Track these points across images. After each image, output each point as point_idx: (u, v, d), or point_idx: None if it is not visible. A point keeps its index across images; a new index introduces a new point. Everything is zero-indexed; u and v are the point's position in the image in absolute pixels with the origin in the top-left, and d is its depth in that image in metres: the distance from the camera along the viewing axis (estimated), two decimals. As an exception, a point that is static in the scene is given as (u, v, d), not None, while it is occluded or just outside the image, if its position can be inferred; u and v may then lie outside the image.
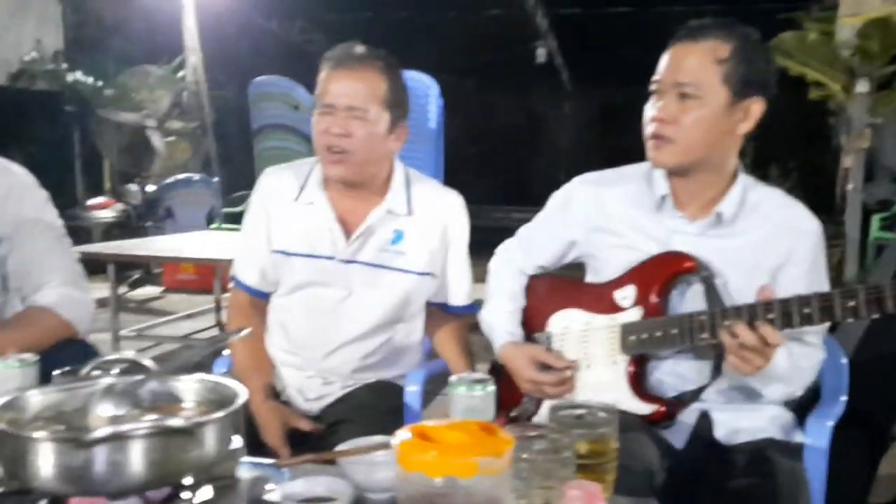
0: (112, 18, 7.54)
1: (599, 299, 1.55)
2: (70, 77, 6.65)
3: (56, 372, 1.22)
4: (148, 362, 1.02)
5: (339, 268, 1.71)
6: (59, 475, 0.79)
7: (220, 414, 0.87)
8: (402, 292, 1.73)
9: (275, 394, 1.74)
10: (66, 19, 6.77)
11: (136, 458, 0.80)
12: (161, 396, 0.97)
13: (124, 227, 6.79)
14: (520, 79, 11.62)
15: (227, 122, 8.44)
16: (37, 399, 0.93)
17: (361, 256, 1.71)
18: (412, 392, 1.73)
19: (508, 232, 1.78)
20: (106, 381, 0.97)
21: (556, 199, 1.68)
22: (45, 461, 0.79)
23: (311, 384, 1.76)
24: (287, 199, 1.75)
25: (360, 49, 1.67)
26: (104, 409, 0.94)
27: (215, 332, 5.05)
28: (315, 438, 1.66)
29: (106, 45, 7.43)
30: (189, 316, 5.22)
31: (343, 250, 1.70)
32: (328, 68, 1.65)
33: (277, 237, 1.74)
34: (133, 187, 7.30)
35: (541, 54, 10.57)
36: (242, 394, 0.93)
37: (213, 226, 7.18)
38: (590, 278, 1.63)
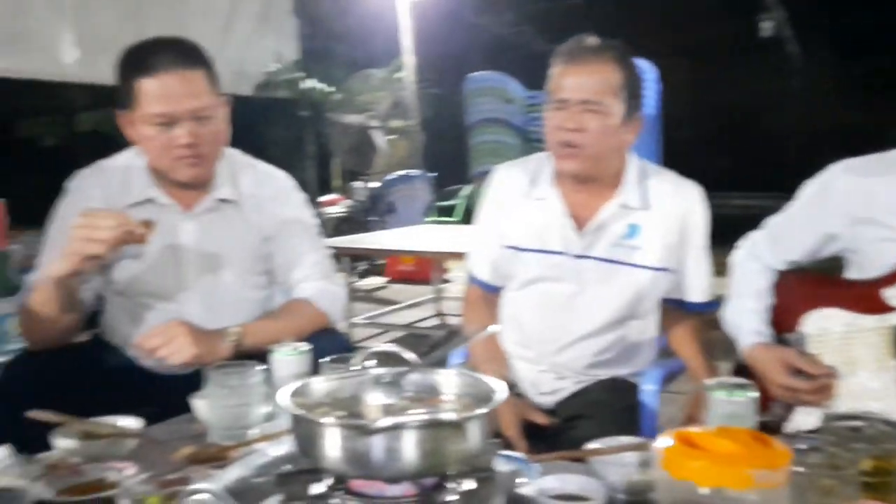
0: (339, 28, 8.11)
1: (865, 298, 1.41)
2: (305, 84, 7.24)
3: (325, 360, 1.34)
4: (409, 355, 1.09)
5: (570, 263, 1.70)
6: (345, 458, 0.86)
7: (485, 409, 0.90)
8: (636, 288, 1.69)
9: (510, 387, 1.77)
10: (302, 32, 7.37)
11: (412, 448, 0.85)
12: (424, 388, 1.03)
13: (351, 222, 7.26)
14: (740, 55, 10.88)
15: (439, 119, 8.73)
16: (319, 386, 1.02)
17: (594, 252, 1.69)
18: (649, 391, 1.69)
19: (731, 220, 1.67)
20: (374, 371, 1.05)
21: (812, 188, 1.55)
22: (334, 444, 0.86)
23: (545, 378, 1.78)
24: (518, 194, 1.77)
25: (592, 41, 1.65)
26: (374, 398, 1.01)
27: (436, 321, 5.27)
28: (550, 433, 1.67)
29: (334, 53, 8.00)
30: (412, 305, 5.48)
31: (575, 246, 1.69)
32: (561, 63, 1.64)
33: (509, 233, 1.77)
34: (358, 184, 7.79)
35: (766, 27, 9.82)
36: (501, 389, 0.96)
37: (429, 219, 7.49)
38: (852, 274, 1.50)
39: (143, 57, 1.57)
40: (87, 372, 1.62)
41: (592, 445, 1.15)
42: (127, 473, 1.14)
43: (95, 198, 1.71)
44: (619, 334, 1.73)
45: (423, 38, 8.21)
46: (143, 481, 1.09)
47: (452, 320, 5.22)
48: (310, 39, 7.75)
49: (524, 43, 9.68)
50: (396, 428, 0.84)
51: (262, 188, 1.82)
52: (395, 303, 5.73)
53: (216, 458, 1.19)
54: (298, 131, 7.59)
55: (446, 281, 6.01)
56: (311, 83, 7.37)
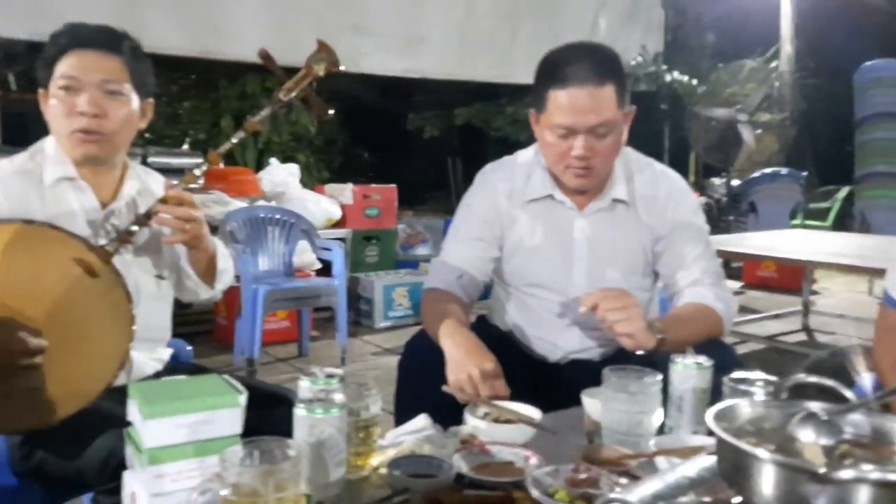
0: (709, 17, 7.75)
1: None
2: (668, 77, 7.07)
3: (726, 379, 1.27)
4: (848, 393, 0.97)
5: None
6: (785, 501, 0.79)
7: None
8: None
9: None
10: (668, 23, 7.19)
11: (867, 504, 0.75)
12: (868, 432, 0.91)
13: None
14: None
15: (815, 113, 7.91)
16: (744, 411, 0.95)
17: None
18: None
19: None
20: (808, 405, 0.95)
21: None
22: (772, 483, 0.80)
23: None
24: None
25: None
26: (808, 436, 0.92)
27: (802, 336, 4.80)
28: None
29: (701, 43, 7.68)
30: (774, 316, 5.06)
31: None
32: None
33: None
34: (717, 181, 7.41)
35: None
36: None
37: (795, 222, 6.83)
38: None
39: (560, 67, 1.62)
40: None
41: None
42: (532, 462, 1.20)
43: (501, 190, 1.82)
44: None
45: (805, 23, 7.48)
46: (548, 473, 1.13)
47: (822, 337, 4.71)
48: (675, 30, 7.53)
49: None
50: (858, 481, 0.74)
51: (657, 189, 1.80)
52: (751, 310, 5.34)
53: (615, 462, 1.19)
54: (656, 125, 7.44)
55: (815, 293, 5.45)
56: (673, 75, 7.16)
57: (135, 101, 1.58)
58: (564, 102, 1.61)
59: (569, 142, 1.64)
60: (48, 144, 1.58)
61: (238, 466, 0.88)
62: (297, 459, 0.90)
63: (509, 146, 8.75)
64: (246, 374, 3.72)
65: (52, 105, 1.53)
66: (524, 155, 1.87)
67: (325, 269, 4.44)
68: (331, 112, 1.68)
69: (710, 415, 0.91)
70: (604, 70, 1.61)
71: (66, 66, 1.51)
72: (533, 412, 1.40)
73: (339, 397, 1.13)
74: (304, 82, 1.60)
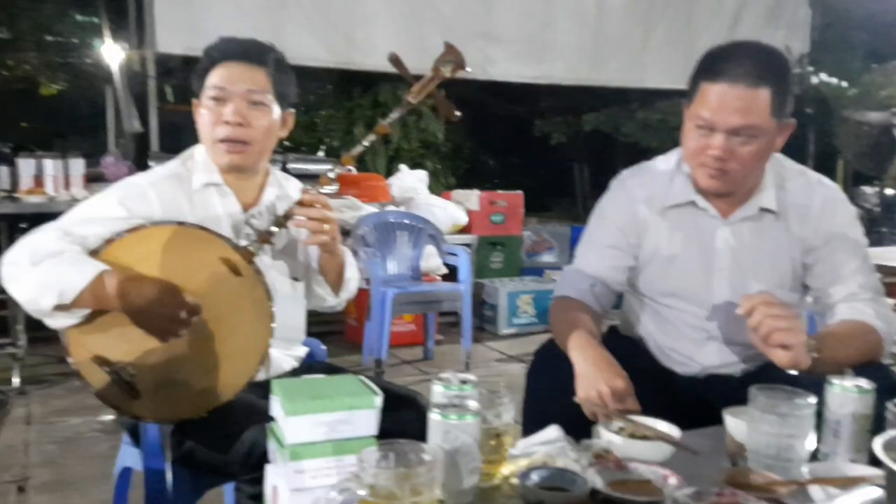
0: (861, 14, 7.23)
1: None
2: (814, 79, 6.65)
3: (890, 404, 1.16)
4: None
5: None
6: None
7: None
8: None
9: None
10: (814, 21, 6.78)
11: None
12: None
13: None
14: None
15: None
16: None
17: None
18: None
19: None
20: None
21: None
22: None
23: None
24: None
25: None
26: None
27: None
28: None
29: (852, 43, 7.18)
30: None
31: None
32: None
33: None
34: (868, 190, 6.89)
35: None
36: None
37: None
38: None
39: (717, 61, 1.55)
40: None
41: None
42: (671, 482, 1.14)
43: (639, 197, 1.76)
44: None
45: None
46: (690, 495, 1.07)
47: None
48: (823, 30, 7.08)
49: None
50: None
51: (811, 198, 1.68)
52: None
53: (764, 489, 1.11)
54: (800, 130, 7.02)
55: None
56: (820, 77, 6.74)
57: (276, 111, 1.64)
58: (711, 97, 1.53)
59: (708, 139, 1.56)
60: (198, 151, 1.67)
61: (375, 468, 0.89)
62: (433, 464, 0.90)
63: (639, 152, 8.55)
64: (374, 375, 3.81)
65: (202, 114, 1.62)
66: (664, 161, 1.80)
67: (451, 274, 4.47)
68: (458, 113, 1.69)
69: (878, 444, 0.83)
70: (762, 72, 1.51)
71: (215, 78, 1.60)
72: (671, 429, 1.34)
73: (473, 404, 1.12)
74: (431, 84, 1.62)
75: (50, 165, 3.87)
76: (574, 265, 1.81)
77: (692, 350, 1.74)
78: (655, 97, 7.35)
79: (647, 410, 1.40)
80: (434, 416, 1.10)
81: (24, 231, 1.56)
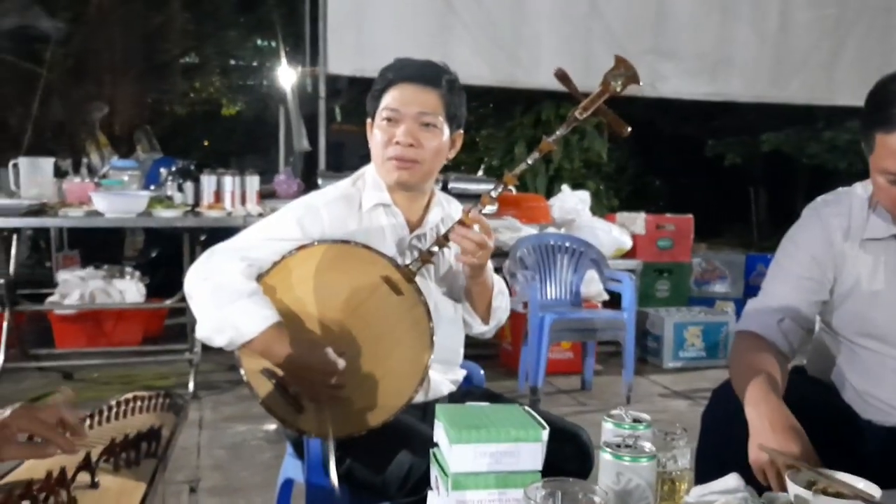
0: None
1: None
2: None
3: None
4: None
5: None
6: None
7: None
8: None
9: None
10: None
11: None
12: None
13: None
14: None
15: None
16: None
17: None
18: None
19: None
20: None
21: None
22: None
23: None
24: None
25: None
26: None
27: None
28: None
29: None
30: None
31: None
32: None
33: None
34: None
35: None
36: None
37: None
38: None
39: (887, 106, 1.39)
40: (790, 403, 1.52)
41: None
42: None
43: (835, 227, 1.59)
44: None
45: None
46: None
47: None
48: None
49: None
50: None
51: None
52: None
53: None
54: None
55: None
56: None
57: (446, 132, 1.64)
58: (894, 148, 1.38)
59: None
60: (368, 172, 1.69)
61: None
62: (604, 508, 0.82)
63: (825, 175, 7.90)
64: (529, 403, 3.72)
65: (375, 134, 1.64)
66: (863, 187, 1.61)
67: (613, 302, 4.30)
68: (629, 129, 1.60)
69: None
70: None
71: (389, 99, 1.61)
72: (869, 487, 1.16)
73: (649, 446, 1.02)
74: (600, 100, 1.55)
75: (229, 182, 4.11)
76: (760, 298, 1.65)
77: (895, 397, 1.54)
78: (844, 115, 6.77)
79: (837, 464, 1.23)
80: (606, 456, 1.01)
81: (203, 243, 1.64)
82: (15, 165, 4.02)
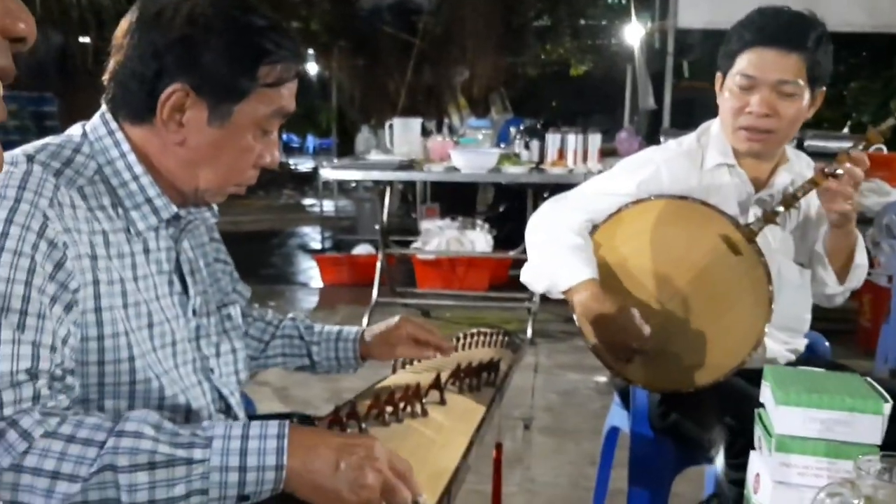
0: None
1: None
2: None
3: None
4: None
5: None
6: None
7: None
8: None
9: None
10: None
11: None
12: None
13: None
14: None
15: None
16: None
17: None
18: None
19: None
20: None
21: None
22: None
23: None
24: None
25: None
26: None
27: None
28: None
29: None
30: None
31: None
32: None
33: None
34: None
35: None
36: None
37: None
38: None
39: None
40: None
41: None
42: None
43: None
44: None
45: None
46: None
47: None
48: None
49: None
50: None
51: None
52: None
53: None
54: None
55: None
56: None
57: (806, 97, 1.52)
58: None
59: None
60: (714, 127, 1.64)
61: (876, 479, 0.78)
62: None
63: None
64: (888, 386, 3.31)
65: (726, 98, 1.56)
66: None
67: None
68: None
69: None
70: None
71: (744, 63, 1.51)
72: None
73: None
74: None
75: (572, 140, 4.25)
76: None
77: None
78: None
79: None
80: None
81: (545, 199, 1.76)
82: (390, 126, 4.63)
